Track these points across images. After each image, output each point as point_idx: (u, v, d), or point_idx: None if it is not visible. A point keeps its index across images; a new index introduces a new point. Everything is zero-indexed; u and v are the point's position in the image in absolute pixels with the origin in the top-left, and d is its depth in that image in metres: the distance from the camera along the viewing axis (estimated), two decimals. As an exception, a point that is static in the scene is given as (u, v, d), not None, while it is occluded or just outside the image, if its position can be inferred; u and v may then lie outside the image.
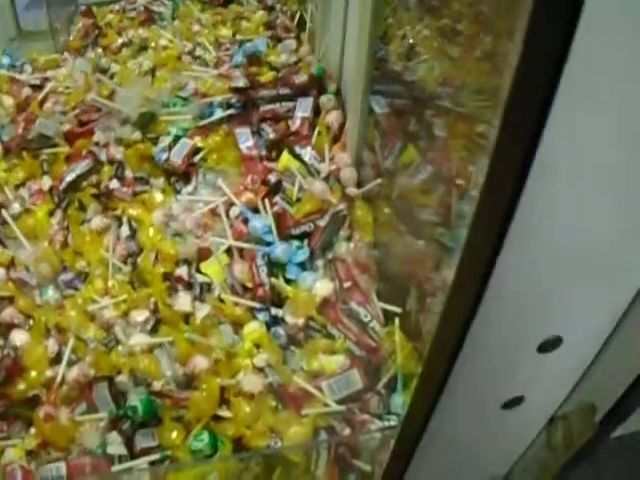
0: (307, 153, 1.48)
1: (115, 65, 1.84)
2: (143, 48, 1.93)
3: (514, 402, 0.78)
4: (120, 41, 1.97)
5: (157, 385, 1.18)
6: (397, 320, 1.21)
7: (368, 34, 1.28)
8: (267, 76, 1.68)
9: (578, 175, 0.52)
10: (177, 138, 1.53)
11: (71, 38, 2.03)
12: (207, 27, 1.99)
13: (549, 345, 0.68)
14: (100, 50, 1.94)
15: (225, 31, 1.95)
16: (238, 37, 1.92)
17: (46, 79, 1.82)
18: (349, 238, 1.36)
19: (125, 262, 1.38)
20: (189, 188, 1.47)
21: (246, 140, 1.49)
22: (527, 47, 0.42)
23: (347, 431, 1.13)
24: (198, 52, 1.87)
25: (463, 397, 0.75)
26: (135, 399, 1.14)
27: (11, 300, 1.35)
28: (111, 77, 1.78)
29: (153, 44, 1.92)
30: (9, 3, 2.00)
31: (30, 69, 1.89)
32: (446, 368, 0.69)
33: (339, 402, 1.14)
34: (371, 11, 1.24)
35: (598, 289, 0.65)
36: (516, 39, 0.42)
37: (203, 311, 1.26)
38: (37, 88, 1.79)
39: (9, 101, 1.74)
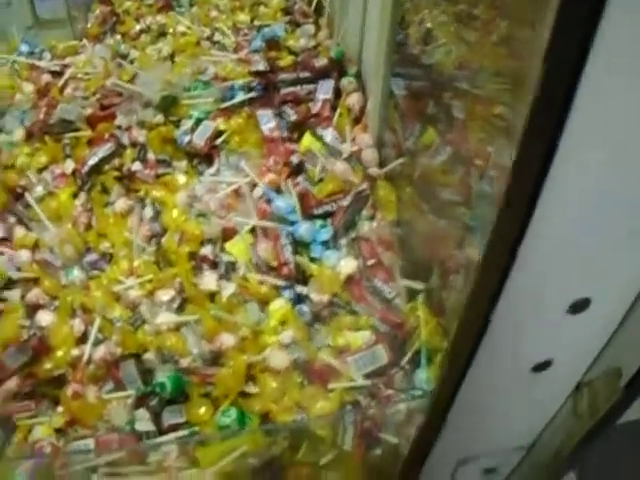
0: (329, 134, 1.49)
1: (134, 51, 1.87)
2: (161, 34, 1.95)
3: (543, 366, 0.79)
4: (138, 28, 1.98)
5: (184, 362, 1.19)
6: (421, 296, 1.22)
7: (389, 19, 1.30)
8: (286, 60, 1.70)
9: (606, 143, 0.54)
10: (199, 121, 1.55)
11: (89, 25, 2.04)
12: (225, 13, 2.01)
13: (578, 307, 0.70)
14: (118, 37, 1.96)
15: (243, 17, 1.97)
16: (256, 23, 1.94)
17: (65, 65, 1.83)
18: (372, 217, 1.38)
19: (149, 243, 1.39)
20: (212, 170, 1.48)
21: (268, 122, 1.51)
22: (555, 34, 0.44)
23: (373, 406, 1.14)
24: (216, 37, 1.89)
25: (493, 363, 0.77)
26: (163, 376, 1.16)
27: (36, 281, 1.36)
28: (131, 62, 1.80)
29: (171, 30, 1.94)
30: (25, -8, 2.01)
31: (49, 56, 1.90)
32: (475, 337, 0.71)
33: (365, 377, 1.16)
34: (392, -3, 1.26)
35: (626, 252, 0.66)
36: (543, 27, 0.44)
37: (229, 289, 1.28)
38: (57, 74, 1.80)
39: (29, 87, 1.76)
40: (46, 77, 1.79)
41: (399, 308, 1.25)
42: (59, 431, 1.16)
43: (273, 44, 1.77)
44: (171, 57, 1.81)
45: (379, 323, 1.23)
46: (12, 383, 1.21)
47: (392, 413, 1.13)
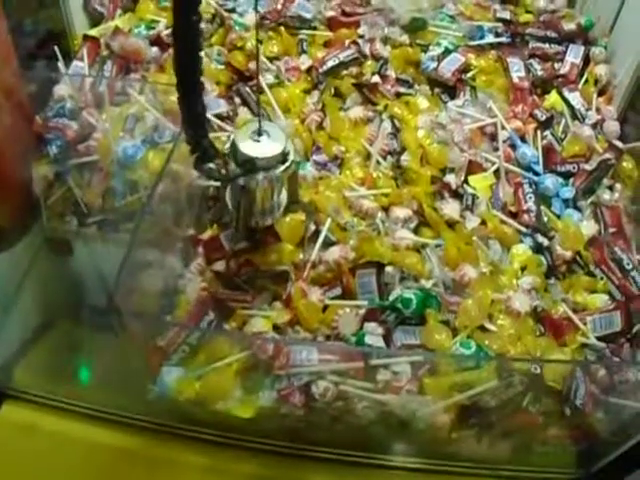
0: (575, 98, 1.48)
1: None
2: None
3: None
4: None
5: (427, 284, 1.15)
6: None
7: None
8: (525, 17, 1.69)
9: None
10: (447, 51, 1.52)
11: None
12: (451, -43, 1.96)
13: None
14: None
15: (470, -37, 1.92)
16: (485, -26, 1.90)
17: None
18: (610, 187, 1.36)
19: (384, 158, 1.35)
20: (458, 102, 1.45)
21: (518, 70, 1.49)
22: None
23: (602, 369, 1.11)
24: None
25: None
26: (409, 292, 1.11)
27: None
28: (355, -19, 1.76)
29: (392, -39, 1.89)
30: None
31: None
32: None
33: (598, 339, 1.14)
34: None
35: None
36: None
37: (473, 222, 1.25)
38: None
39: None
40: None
41: (635, 281, 1.22)
42: (276, 328, 1.11)
43: (511, -1, 1.75)
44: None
45: (615, 290, 1.21)
46: (220, 266, 1.17)
47: (620, 381, 1.11)
